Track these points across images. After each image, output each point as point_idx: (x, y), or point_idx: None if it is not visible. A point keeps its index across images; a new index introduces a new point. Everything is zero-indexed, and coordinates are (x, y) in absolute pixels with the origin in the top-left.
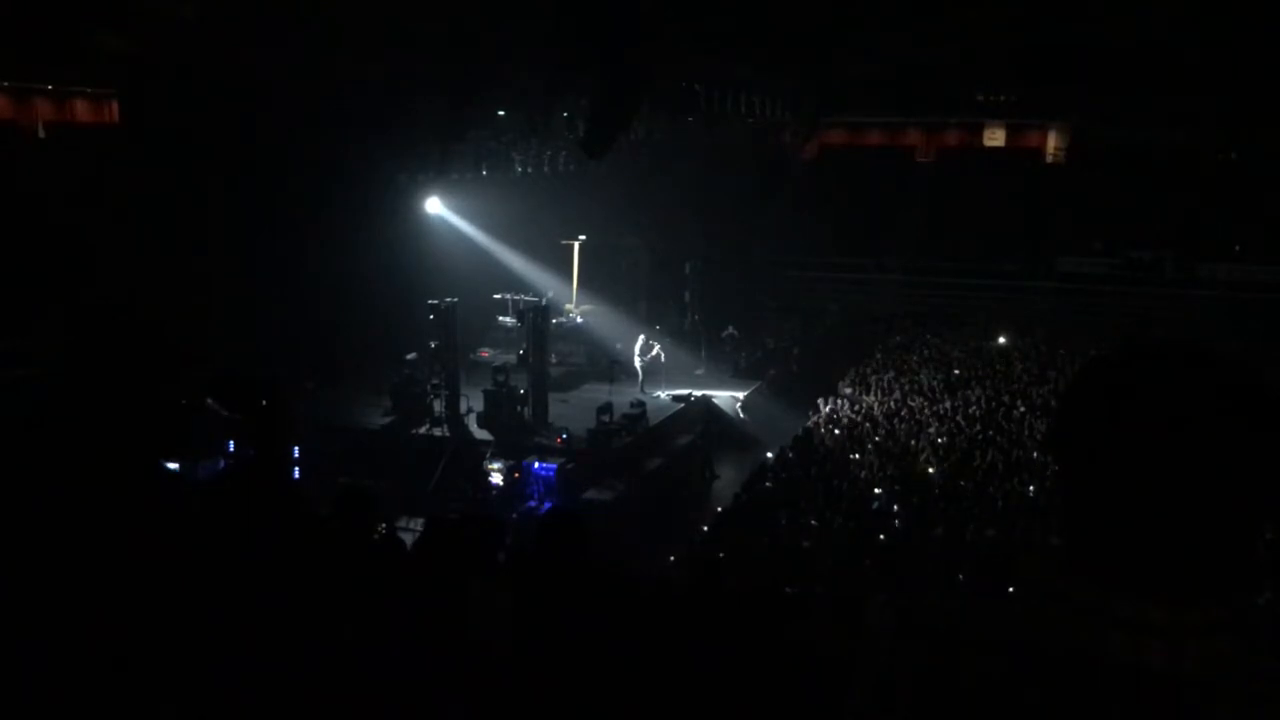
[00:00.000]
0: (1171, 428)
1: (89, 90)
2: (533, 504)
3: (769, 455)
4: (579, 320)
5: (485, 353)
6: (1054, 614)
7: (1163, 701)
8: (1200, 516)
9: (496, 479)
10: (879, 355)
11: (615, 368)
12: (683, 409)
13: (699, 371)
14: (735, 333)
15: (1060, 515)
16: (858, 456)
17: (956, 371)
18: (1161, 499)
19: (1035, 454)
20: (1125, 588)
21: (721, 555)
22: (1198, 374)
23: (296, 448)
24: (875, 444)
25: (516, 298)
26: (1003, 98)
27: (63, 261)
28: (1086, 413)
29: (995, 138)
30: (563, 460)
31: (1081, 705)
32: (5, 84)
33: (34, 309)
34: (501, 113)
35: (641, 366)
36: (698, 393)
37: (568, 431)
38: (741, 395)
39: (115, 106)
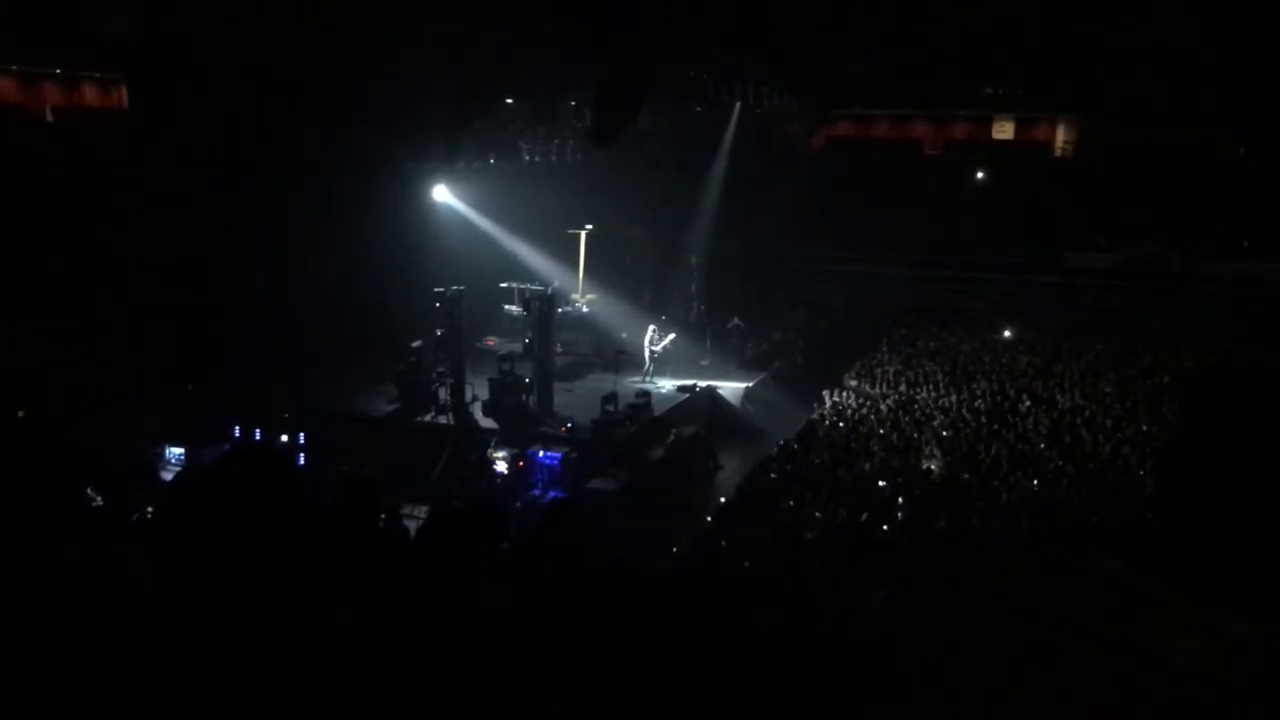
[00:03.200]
0: None
1: (97, 75)
2: (537, 493)
3: (774, 447)
4: (584, 309)
5: (491, 341)
6: (1136, 614)
7: (1227, 712)
8: None
9: (501, 467)
10: (884, 348)
11: (620, 357)
12: (687, 399)
13: (704, 362)
14: (741, 324)
15: (1157, 520)
16: (862, 449)
17: (962, 365)
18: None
19: (1041, 446)
20: (1216, 599)
21: (724, 546)
22: None
23: (302, 434)
24: (879, 436)
25: (522, 286)
26: (1011, 91)
27: (72, 245)
28: (1202, 431)
29: (1004, 131)
30: (567, 449)
31: (1149, 704)
32: (14, 68)
33: (39, 293)
34: (509, 101)
35: (653, 355)
36: (703, 383)
37: (572, 421)
38: (746, 386)
39: (123, 92)
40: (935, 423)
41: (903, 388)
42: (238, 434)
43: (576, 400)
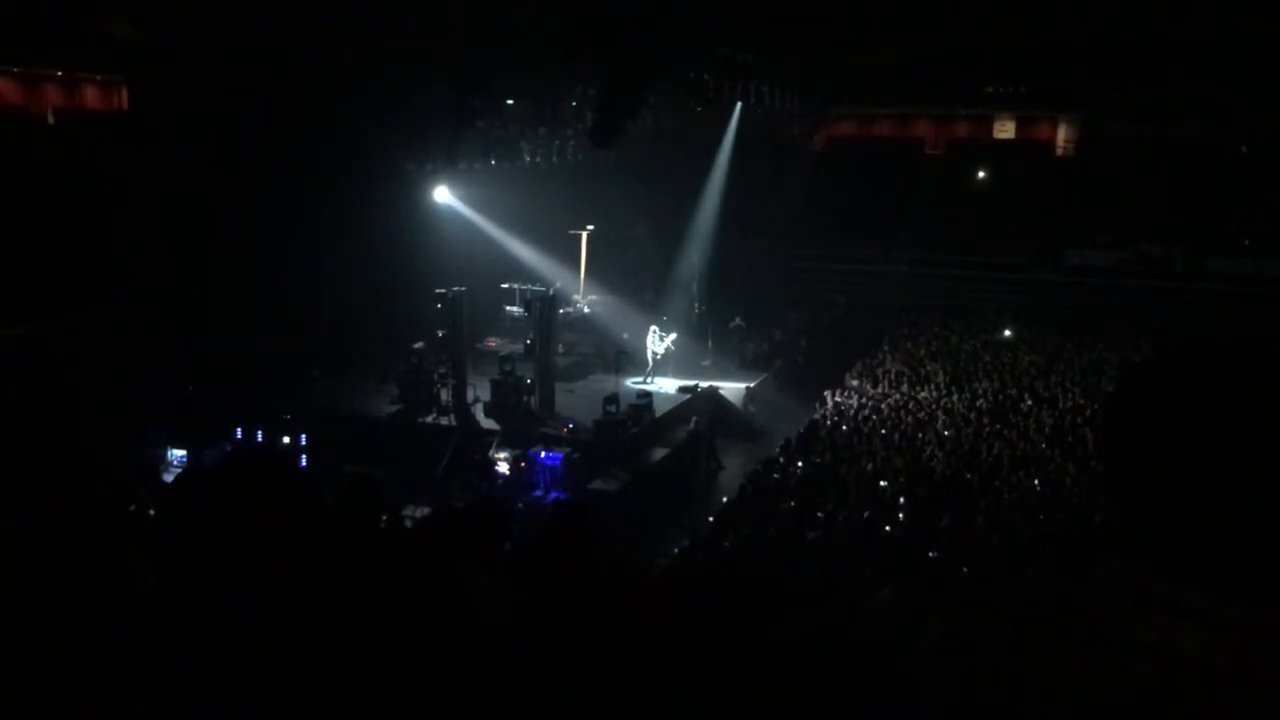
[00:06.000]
0: (1253, 425)
1: (98, 77)
2: (539, 493)
3: (776, 447)
4: (586, 310)
5: (492, 342)
6: (1130, 605)
7: (1229, 699)
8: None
9: (503, 468)
10: (886, 347)
11: (622, 358)
12: (689, 399)
13: (705, 362)
14: (742, 324)
15: (1130, 507)
16: (864, 448)
17: (963, 364)
18: (1245, 497)
19: (1043, 446)
20: (1202, 583)
21: (727, 546)
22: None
23: (304, 435)
24: (881, 436)
25: (524, 287)
26: (1013, 89)
27: (74, 247)
28: (1163, 406)
29: (1005, 130)
30: (569, 450)
31: (1146, 696)
32: (16, 70)
33: (41, 296)
34: (510, 101)
35: (656, 355)
36: (704, 383)
37: (574, 421)
38: (748, 386)
39: (124, 93)
40: (937, 423)
41: (904, 387)
42: (240, 435)
43: (578, 401)
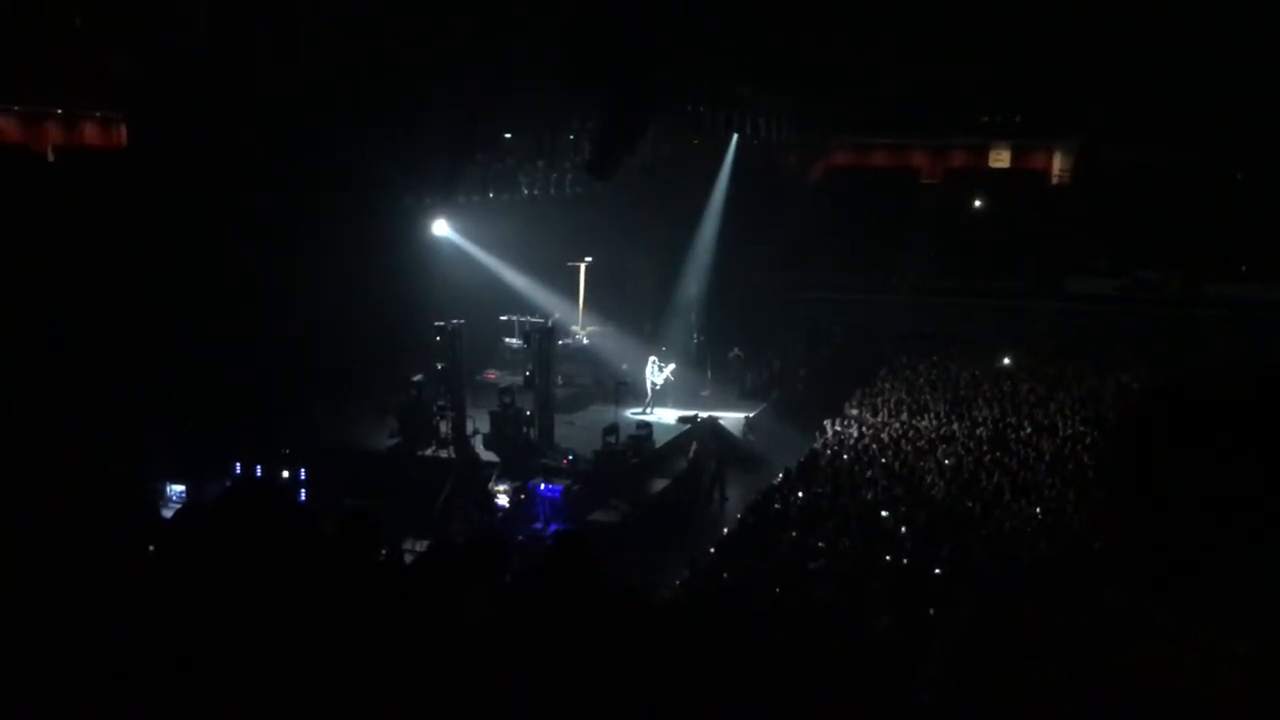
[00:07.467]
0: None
1: (98, 114)
2: (539, 525)
3: (776, 477)
4: (585, 341)
5: (491, 374)
6: (1131, 634)
7: None
8: None
9: (502, 500)
10: (885, 376)
11: (621, 389)
12: (689, 430)
13: (704, 392)
14: (741, 354)
15: (1136, 537)
16: (864, 478)
17: (963, 392)
18: (1246, 526)
19: (1043, 474)
20: (1210, 615)
21: (727, 577)
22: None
23: (303, 470)
24: (882, 465)
25: (523, 319)
26: (1008, 118)
27: (70, 282)
28: (1175, 436)
29: (1000, 159)
30: (568, 481)
31: None
32: (16, 108)
33: (39, 327)
34: (508, 135)
35: (655, 386)
36: (704, 414)
37: (574, 453)
38: (747, 416)
39: (123, 130)
40: (937, 451)
41: (904, 416)
42: (239, 470)
43: (577, 432)
